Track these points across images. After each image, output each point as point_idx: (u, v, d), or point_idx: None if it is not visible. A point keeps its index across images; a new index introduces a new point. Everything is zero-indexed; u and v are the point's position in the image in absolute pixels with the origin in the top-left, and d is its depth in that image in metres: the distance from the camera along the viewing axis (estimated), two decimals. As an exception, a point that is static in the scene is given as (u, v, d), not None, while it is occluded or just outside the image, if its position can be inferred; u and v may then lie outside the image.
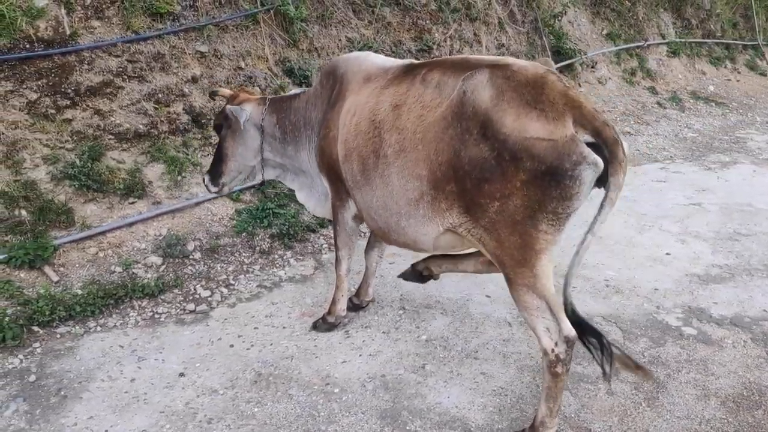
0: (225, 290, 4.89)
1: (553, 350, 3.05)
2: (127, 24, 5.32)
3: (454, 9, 8.04)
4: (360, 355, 4.05)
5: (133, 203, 5.30)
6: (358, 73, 3.81)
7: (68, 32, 4.97)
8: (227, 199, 5.80)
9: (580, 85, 10.13)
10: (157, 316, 4.53)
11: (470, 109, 2.95)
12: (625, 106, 10.42)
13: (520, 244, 2.93)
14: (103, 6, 5.25)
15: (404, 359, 4.01)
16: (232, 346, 4.16)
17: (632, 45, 11.57)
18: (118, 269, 4.88)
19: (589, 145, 2.76)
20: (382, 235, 3.72)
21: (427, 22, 7.80)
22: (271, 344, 4.17)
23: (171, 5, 5.54)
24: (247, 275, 5.11)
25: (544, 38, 9.49)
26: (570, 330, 3.01)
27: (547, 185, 2.78)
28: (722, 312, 4.63)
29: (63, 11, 4.98)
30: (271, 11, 6.24)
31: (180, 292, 4.80)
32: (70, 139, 5.12)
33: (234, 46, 6.06)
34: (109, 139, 5.30)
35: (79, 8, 5.10)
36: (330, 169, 3.90)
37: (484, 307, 4.68)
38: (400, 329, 4.35)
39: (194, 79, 5.75)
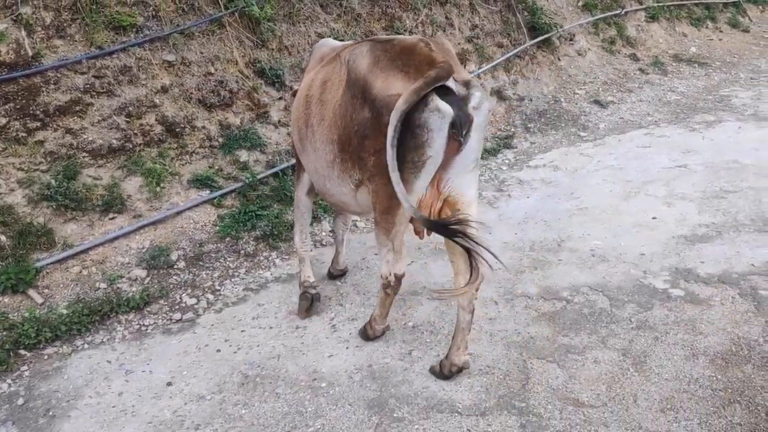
0: (211, 296, 4.88)
1: (387, 277, 3.67)
2: (90, 40, 5.30)
3: (423, -6, 8.00)
4: (347, 348, 4.03)
5: (113, 219, 5.29)
6: (316, 55, 4.25)
7: (30, 54, 4.95)
8: (209, 206, 5.79)
9: (559, 59, 10.06)
10: (143, 328, 4.52)
11: (353, 76, 3.36)
12: (606, 75, 10.35)
13: (388, 194, 3.22)
14: (65, 25, 5.22)
15: (391, 348, 3.99)
16: (219, 351, 4.15)
17: (609, 14, 11.48)
18: (103, 285, 4.87)
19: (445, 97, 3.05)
20: (324, 199, 4.20)
21: (397, 9, 7.76)
22: (258, 345, 4.16)
23: (133, 17, 5.51)
24: (233, 280, 5.09)
25: (518, 15, 9.43)
26: (400, 270, 3.64)
27: (404, 136, 3.04)
28: (709, 270, 4.60)
29: (23, 33, 4.95)
30: (236, 14, 6.20)
31: (166, 303, 4.79)
32: (44, 160, 5.11)
33: (202, 52, 6.03)
34: (84, 156, 5.28)
35: (40, 29, 5.08)
36: (292, 146, 4.19)
37: (470, 288, 4.65)
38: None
39: (164, 89, 5.72)
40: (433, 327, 4.18)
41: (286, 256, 5.43)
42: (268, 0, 6.41)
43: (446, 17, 8.32)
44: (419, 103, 3.00)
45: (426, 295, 4.60)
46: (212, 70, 6.06)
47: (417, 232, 3.76)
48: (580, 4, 11.25)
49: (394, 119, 2.98)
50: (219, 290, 4.96)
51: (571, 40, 10.51)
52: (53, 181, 5.07)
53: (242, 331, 4.37)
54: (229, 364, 3.98)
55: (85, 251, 5.05)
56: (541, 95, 9.27)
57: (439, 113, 3.02)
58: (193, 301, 4.81)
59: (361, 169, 3.43)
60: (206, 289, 4.97)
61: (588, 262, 4.90)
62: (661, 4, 12.84)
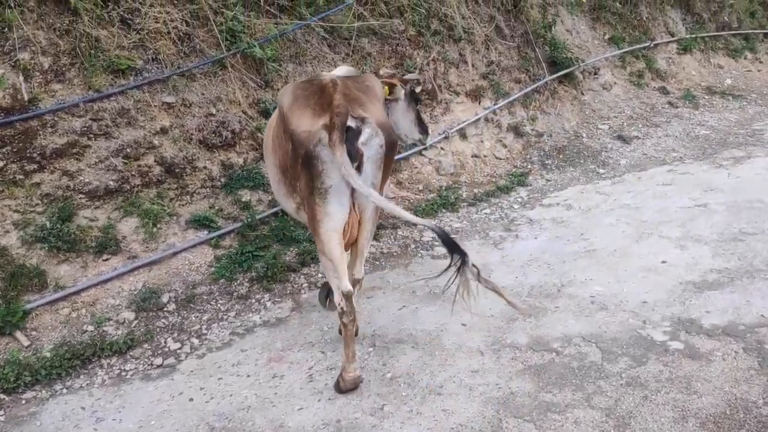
0: (196, 341, 4.81)
1: (339, 304, 3.83)
2: (89, 83, 5.38)
3: (435, 32, 7.93)
4: (319, 400, 3.88)
5: (107, 260, 5.29)
6: None
7: (27, 98, 5.04)
8: (207, 246, 5.75)
9: (582, 94, 9.84)
10: (124, 373, 4.46)
11: (280, 111, 3.93)
12: (632, 109, 10.06)
13: (311, 215, 3.76)
14: (63, 69, 5.32)
15: (364, 401, 3.82)
16: (191, 399, 4.05)
17: (637, 47, 11.21)
18: (90, 328, 4.85)
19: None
20: None
21: (408, 47, 7.71)
22: (231, 395, 4.04)
23: (132, 61, 5.58)
24: (220, 323, 5.01)
25: (537, 50, 9.27)
26: (346, 286, 3.78)
27: (309, 165, 3.59)
28: (714, 321, 4.30)
29: (20, 78, 5.06)
30: (238, 55, 6.23)
31: (150, 347, 4.73)
32: (40, 202, 5.16)
33: (203, 94, 6.07)
34: (80, 198, 5.32)
35: (38, 74, 5.18)
36: None
37: (458, 336, 4.46)
38: (366, 368, 4.17)
39: (164, 131, 5.76)
40: (412, 379, 4.00)
41: (279, 299, 5.33)
42: (271, 41, 6.41)
43: (460, 54, 8.23)
44: (313, 138, 3.56)
45: (410, 343, 4.42)
46: (214, 111, 6.09)
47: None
48: (607, 37, 11.04)
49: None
50: (205, 334, 4.89)
51: (595, 73, 10.28)
52: (48, 223, 5.11)
53: (219, 378, 4.26)
54: (199, 414, 3.87)
55: (76, 293, 5.06)
56: (562, 131, 9.05)
57: (325, 145, 3.52)
58: (177, 345, 4.74)
59: (295, 192, 3.96)
60: (192, 333, 4.90)
61: (586, 309, 4.64)
62: (694, 36, 12.49)
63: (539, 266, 5.50)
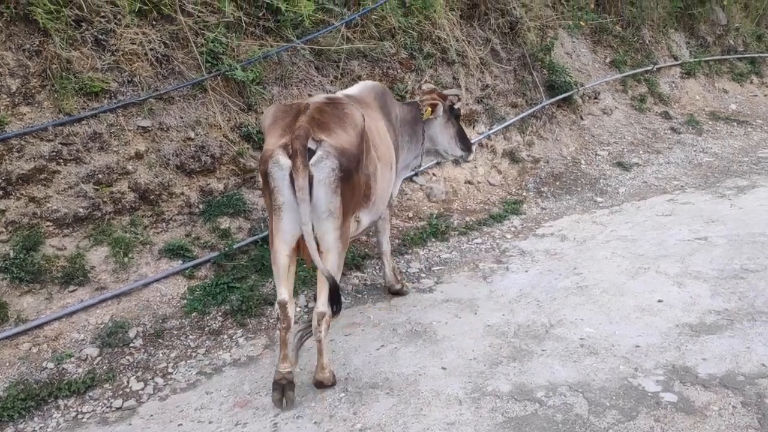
0: (161, 380, 4.53)
1: (276, 311, 4.19)
2: (59, 107, 5.16)
3: (427, 54, 7.71)
4: (281, 453, 3.60)
5: (73, 291, 5.04)
6: None
7: (-9, 122, 4.83)
8: (180, 277, 5.50)
9: (581, 118, 9.60)
10: (80, 416, 4.19)
11: (262, 131, 4.22)
12: (633, 135, 9.80)
13: (269, 228, 3.96)
14: (33, 91, 5.11)
15: (329, 456, 3.54)
16: (146, 449, 3.77)
17: (640, 70, 10.98)
18: (51, 365, 4.58)
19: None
20: None
21: (399, 71, 7.49)
22: (189, 444, 3.76)
23: (106, 83, 5.36)
24: (188, 361, 4.74)
25: (534, 73, 9.04)
26: (281, 296, 3.94)
27: (266, 182, 3.82)
28: (711, 370, 4.00)
29: (-15, 101, 4.85)
30: (219, 78, 6.01)
31: (111, 386, 4.46)
32: (4, 230, 4.92)
33: (182, 117, 5.84)
34: (48, 225, 5.09)
35: (5, 96, 4.96)
36: None
37: (436, 381, 4.17)
38: (334, 417, 3.88)
39: (138, 156, 5.53)
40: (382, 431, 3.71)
41: (252, 335, 5.06)
42: (255, 63, 6.20)
43: (453, 77, 8.00)
44: (270, 157, 3.74)
45: (385, 389, 4.13)
46: (192, 135, 5.85)
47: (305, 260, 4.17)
48: (608, 60, 10.82)
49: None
50: (171, 373, 4.61)
51: (595, 98, 10.05)
52: (11, 252, 4.87)
53: (180, 425, 3.99)
54: (151, 466, 3.59)
55: (39, 326, 4.80)
56: (560, 156, 8.79)
57: (278, 166, 3.69)
58: (140, 385, 4.47)
59: None
60: (158, 372, 4.63)
61: (574, 354, 4.35)
62: (698, 60, 12.26)
63: (528, 303, 5.21)
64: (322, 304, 3.94)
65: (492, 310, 5.13)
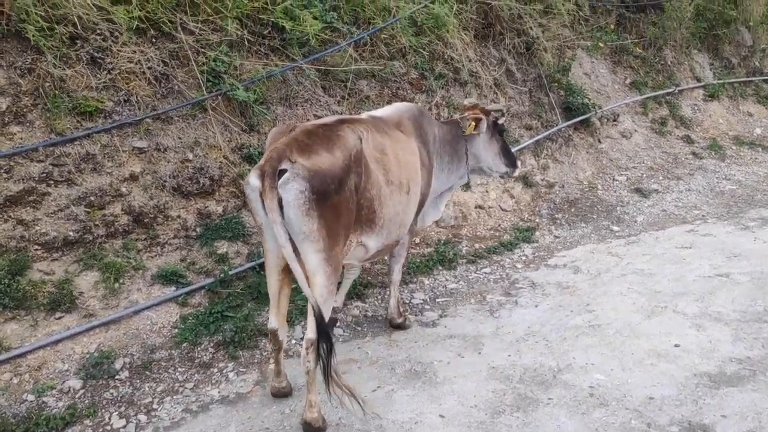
0: (144, 417, 4.30)
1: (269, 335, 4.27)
2: (51, 126, 4.99)
3: (438, 75, 7.47)
4: None
5: (60, 318, 4.84)
6: None
7: (-21, 142, 4.66)
8: (173, 304, 5.28)
9: (599, 141, 9.29)
10: (56, 456, 3.97)
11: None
12: (653, 160, 9.47)
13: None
14: (24, 110, 4.94)
15: None
16: (119, 498, 3.53)
17: (661, 92, 10.66)
18: (31, 398, 4.38)
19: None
20: None
21: (409, 91, 7.26)
22: (164, 495, 3.52)
23: (101, 102, 5.18)
24: (175, 397, 4.50)
25: (550, 95, 8.76)
26: (271, 324, 4.08)
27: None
28: (731, 430, 3.67)
29: (-27, 121, 4.69)
30: (220, 97, 5.82)
31: (91, 423, 4.23)
32: (-10, 253, 4.74)
33: (180, 138, 5.65)
34: (35, 249, 4.90)
35: (-5, 115, 4.81)
36: None
37: (433, 431, 3.89)
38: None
39: (133, 177, 5.33)
40: (371, 488, 3.44)
41: (243, 369, 4.81)
42: (258, 83, 6.00)
43: (466, 98, 7.72)
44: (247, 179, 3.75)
45: (378, 437, 3.86)
46: (191, 156, 5.65)
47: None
48: (628, 81, 10.51)
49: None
50: (155, 410, 4.38)
51: (614, 120, 9.74)
52: (-4, 277, 4.69)
53: (157, 470, 3.75)
54: None
55: (22, 355, 4.60)
56: (576, 181, 8.49)
57: (250, 187, 3.70)
58: (122, 423, 4.24)
59: None
60: (142, 408, 4.39)
61: (583, 404, 4.05)
62: (722, 82, 11.89)
63: (536, 342, 4.92)
64: (311, 330, 3.76)
65: (497, 350, 4.85)
